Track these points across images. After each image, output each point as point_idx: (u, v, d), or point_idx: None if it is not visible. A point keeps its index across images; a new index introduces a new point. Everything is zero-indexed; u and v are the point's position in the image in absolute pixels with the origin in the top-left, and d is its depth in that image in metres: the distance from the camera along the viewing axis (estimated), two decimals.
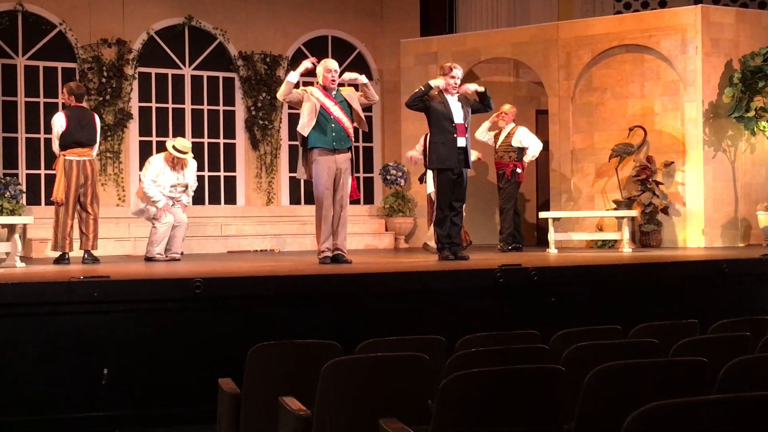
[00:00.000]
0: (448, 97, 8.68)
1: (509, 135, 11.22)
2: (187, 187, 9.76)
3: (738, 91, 11.31)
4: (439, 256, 8.74)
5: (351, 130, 8.33)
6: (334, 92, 8.32)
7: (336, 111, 8.22)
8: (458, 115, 8.63)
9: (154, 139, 12.91)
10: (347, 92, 8.45)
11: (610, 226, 11.75)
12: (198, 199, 12.93)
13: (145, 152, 12.41)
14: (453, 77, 8.65)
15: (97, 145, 9.33)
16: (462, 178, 8.68)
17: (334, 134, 8.18)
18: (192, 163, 9.80)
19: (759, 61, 11.33)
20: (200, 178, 12.86)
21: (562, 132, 12.33)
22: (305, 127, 8.18)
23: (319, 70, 8.40)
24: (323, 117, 8.20)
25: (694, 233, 11.55)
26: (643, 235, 11.66)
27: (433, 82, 8.69)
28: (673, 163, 11.67)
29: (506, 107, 11.40)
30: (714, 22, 11.66)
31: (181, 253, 9.77)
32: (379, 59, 14.48)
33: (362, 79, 8.37)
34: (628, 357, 3.73)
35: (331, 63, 8.43)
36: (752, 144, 11.74)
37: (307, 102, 8.21)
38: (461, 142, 8.60)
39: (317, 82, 8.43)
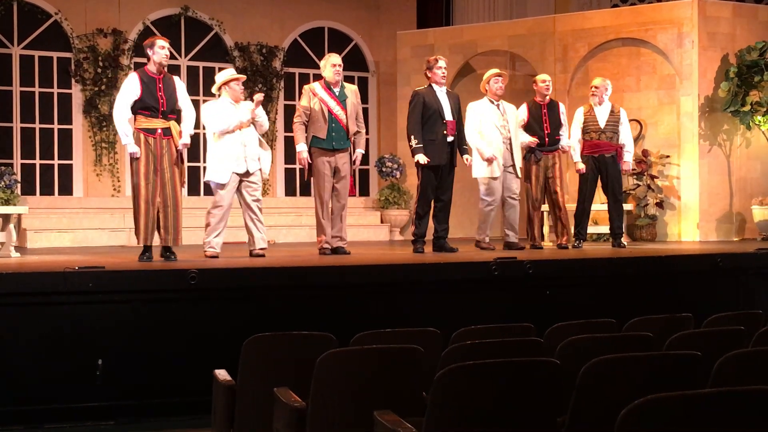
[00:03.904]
0: (437, 88, 8.45)
1: (614, 113, 9.59)
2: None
3: (734, 85, 11.31)
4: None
5: (350, 130, 8.18)
6: (337, 89, 8.19)
7: (337, 110, 8.10)
8: (448, 110, 8.42)
9: None
10: (351, 90, 8.29)
11: (605, 220, 11.74)
12: (193, 190, 12.91)
13: None
14: (440, 68, 8.42)
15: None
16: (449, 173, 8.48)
17: (333, 134, 8.08)
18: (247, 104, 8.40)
19: (755, 55, 11.34)
20: (195, 169, 12.84)
21: None
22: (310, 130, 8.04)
23: (323, 64, 8.32)
24: (323, 116, 8.08)
25: (689, 227, 11.56)
26: (638, 228, 11.66)
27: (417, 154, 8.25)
28: (668, 156, 11.68)
29: (598, 80, 9.90)
30: (711, 16, 11.66)
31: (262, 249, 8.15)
32: (375, 51, 14.45)
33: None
34: (623, 350, 3.74)
35: (335, 57, 8.29)
36: (747, 138, 11.76)
37: (314, 104, 8.07)
38: (451, 139, 8.40)
39: (322, 78, 8.34)
